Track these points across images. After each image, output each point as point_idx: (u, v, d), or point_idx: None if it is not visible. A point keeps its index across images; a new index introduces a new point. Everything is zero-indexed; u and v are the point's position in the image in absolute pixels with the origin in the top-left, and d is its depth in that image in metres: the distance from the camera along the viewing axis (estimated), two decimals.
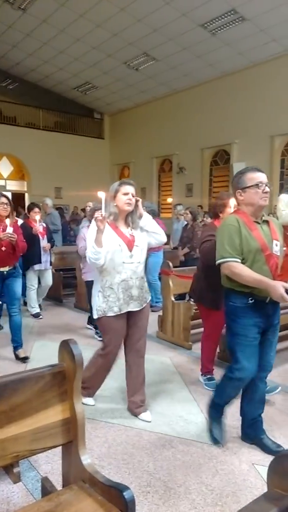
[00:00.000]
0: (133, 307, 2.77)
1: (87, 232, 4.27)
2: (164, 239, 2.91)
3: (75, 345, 1.60)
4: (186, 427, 2.79)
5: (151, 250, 5.85)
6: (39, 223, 5.50)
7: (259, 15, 9.52)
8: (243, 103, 12.00)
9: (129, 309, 2.76)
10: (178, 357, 4.20)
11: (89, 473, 1.53)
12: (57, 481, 2.05)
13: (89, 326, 5.04)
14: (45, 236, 5.59)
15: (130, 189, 2.69)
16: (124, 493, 1.35)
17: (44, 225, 5.73)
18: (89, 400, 3.03)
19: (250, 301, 2.34)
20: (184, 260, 6.28)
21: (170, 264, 4.74)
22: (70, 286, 6.73)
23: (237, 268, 2.29)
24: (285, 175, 11.58)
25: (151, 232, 2.81)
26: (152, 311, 6.04)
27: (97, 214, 2.57)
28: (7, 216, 3.82)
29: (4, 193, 3.95)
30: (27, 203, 12.70)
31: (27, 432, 1.50)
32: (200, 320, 4.80)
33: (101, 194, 2.56)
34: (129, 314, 2.79)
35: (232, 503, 2.06)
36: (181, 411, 3.02)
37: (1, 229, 3.73)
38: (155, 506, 2.03)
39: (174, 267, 4.84)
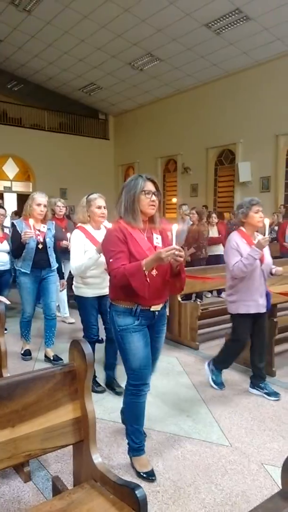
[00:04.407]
0: None
1: (241, 242, 3.11)
2: None
3: (85, 344, 1.61)
4: (195, 427, 2.79)
5: None
6: None
7: (263, 14, 9.49)
8: (247, 102, 11.97)
9: None
10: (185, 357, 4.20)
11: (101, 472, 1.54)
12: (66, 480, 2.06)
13: (254, 391, 3.35)
14: None
15: None
16: (136, 492, 1.36)
17: None
18: None
19: None
20: (190, 261, 6.27)
21: None
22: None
23: None
24: None
25: None
26: None
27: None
28: (151, 218, 2.32)
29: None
30: None
31: (39, 431, 1.52)
32: (207, 320, 4.83)
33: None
34: None
35: (242, 502, 2.06)
36: (189, 411, 3.02)
37: (145, 237, 2.27)
38: (165, 505, 2.04)
39: None
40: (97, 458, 1.59)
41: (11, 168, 15.33)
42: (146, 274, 2.07)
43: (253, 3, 9.16)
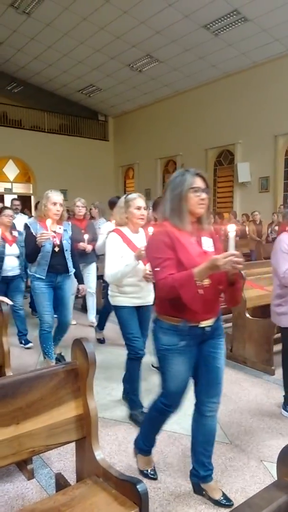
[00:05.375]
0: None
1: None
2: None
3: (87, 343, 1.65)
4: None
5: None
6: None
7: (261, 16, 9.54)
8: (246, 103, 12.02)
9: None
10: None
11: (103, 467, 1.58)
12: (69, 477, 2.10)
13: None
14: None
15: None
16: (138, 486, 1.40)
17: None
18: None
19: None
20: None
21: None
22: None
23: None
24: None
25: None
26: None
27: None
28: (199, 218, 2.02)
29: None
30: (33, 205, 12.75)
31: (43, 428, 1.56)
32: None
33: None
34: None
35: (241, 498, 2.10)
36: (190, 409, 3.04)
37: (194, 242, 1.96)
38: (166, 501, 2.08)
39: None
40: (99, 455, 1.62)
41: (11, 170, 15.38)
42: (198, 284, 1.77)
43: (251, 5, 9.22)
